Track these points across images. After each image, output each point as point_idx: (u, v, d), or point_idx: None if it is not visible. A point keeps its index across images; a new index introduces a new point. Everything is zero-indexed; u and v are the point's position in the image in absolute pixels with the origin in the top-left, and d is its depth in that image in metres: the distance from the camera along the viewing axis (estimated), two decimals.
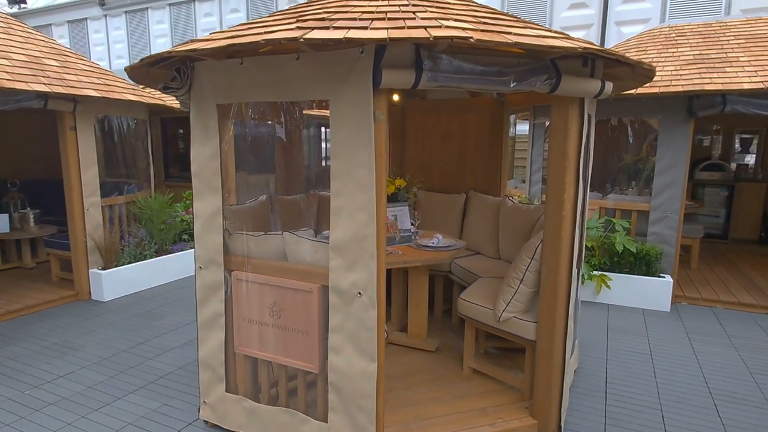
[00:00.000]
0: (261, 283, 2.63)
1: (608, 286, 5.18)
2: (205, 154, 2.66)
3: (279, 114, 3.47)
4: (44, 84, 4.58)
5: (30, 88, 4.44)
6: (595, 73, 2.56)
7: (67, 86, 4.78)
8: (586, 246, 5.26)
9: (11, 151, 7.33)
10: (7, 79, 4.34)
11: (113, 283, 5.26)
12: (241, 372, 2.82)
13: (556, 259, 2.69)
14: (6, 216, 5.87)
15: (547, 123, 5.95)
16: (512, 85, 2.30)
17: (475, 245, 4.58)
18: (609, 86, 2.60)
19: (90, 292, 5.24)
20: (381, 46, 2.11)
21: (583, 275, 5.14)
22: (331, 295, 2.42)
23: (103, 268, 5.25)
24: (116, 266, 5.32)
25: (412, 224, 3.95)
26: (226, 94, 2.55)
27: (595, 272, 5.20)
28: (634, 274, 5.16)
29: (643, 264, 5.14)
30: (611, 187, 5.83)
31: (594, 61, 2.50)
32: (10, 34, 5.16)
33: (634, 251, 5.05)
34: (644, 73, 2.80)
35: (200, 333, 2.84)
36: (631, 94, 4.78)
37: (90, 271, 5.20)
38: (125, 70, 2.79)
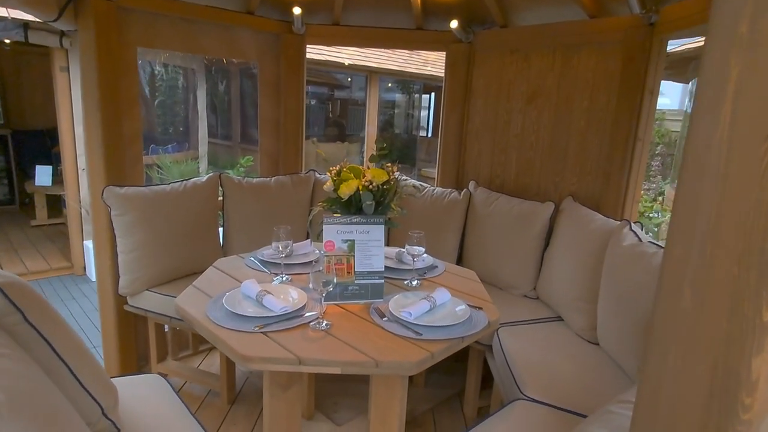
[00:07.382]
0: None
1: None
2: None
3: None
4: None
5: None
6: None
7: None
8: None
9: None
10: None
11: None
12: None
13: None
14: (50, 168, 5.45)
15: None
16: None
17: (557, 303, 2.43)
18: None
19: (84, 268, 4.46)
20: None
21: None
22: None
23: None
24: None
25: (419, 260, 2.04)
26: None
27: None
28: None
29: None
30: None
31: None
32: None
33: None
34: None
35: None
36: None
37: (85, 243, 4.40)
38: None
